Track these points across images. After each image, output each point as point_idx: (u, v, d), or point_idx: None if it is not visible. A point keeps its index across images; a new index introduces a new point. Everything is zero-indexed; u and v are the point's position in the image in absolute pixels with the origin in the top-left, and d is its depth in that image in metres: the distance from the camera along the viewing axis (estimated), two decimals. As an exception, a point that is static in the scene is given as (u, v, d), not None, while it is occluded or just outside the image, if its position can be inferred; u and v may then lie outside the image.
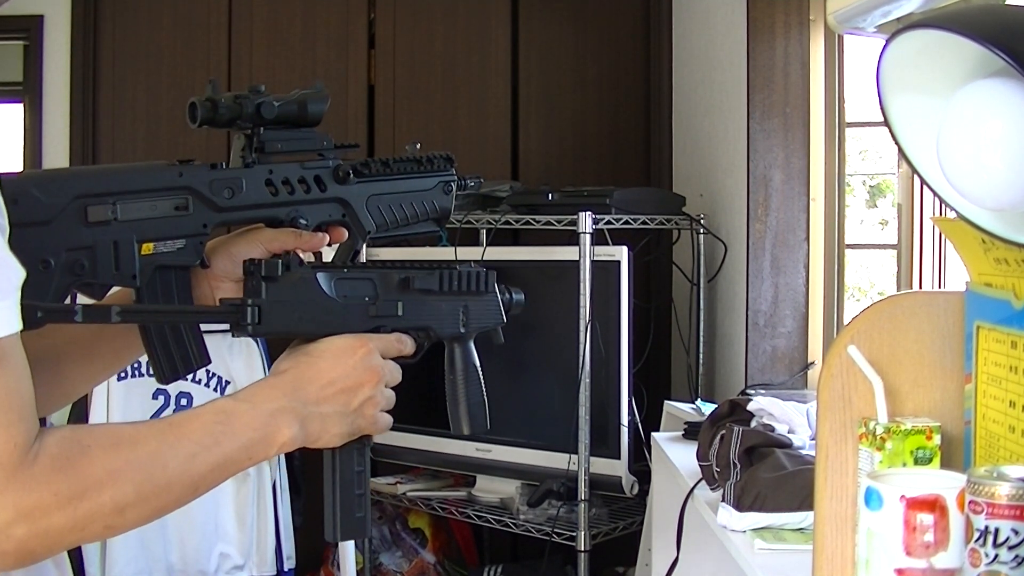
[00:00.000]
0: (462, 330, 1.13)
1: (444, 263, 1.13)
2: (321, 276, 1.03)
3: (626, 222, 2.83)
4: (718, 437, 1.78)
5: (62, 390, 1.08)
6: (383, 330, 1.05)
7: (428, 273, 1.10)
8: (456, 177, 1.19)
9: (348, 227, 1.13)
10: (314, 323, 1.02)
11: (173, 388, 3.07)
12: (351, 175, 1.11)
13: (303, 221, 1.08)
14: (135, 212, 0.98)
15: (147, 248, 0.99)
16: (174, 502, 0.88)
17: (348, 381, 0.99)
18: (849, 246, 2.70)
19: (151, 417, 2.93)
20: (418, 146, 1.18)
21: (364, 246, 1.16)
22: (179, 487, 0.88)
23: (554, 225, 2.83)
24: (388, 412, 1.04)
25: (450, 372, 1.16)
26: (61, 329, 1.06)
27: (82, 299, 0.99)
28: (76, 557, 3.05)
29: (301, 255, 1.06)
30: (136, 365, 3.00)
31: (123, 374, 2.99)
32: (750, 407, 1.88)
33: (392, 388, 1.04)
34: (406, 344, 1.07)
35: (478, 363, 1.16)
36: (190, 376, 1.13)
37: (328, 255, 1.12)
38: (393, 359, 1.05)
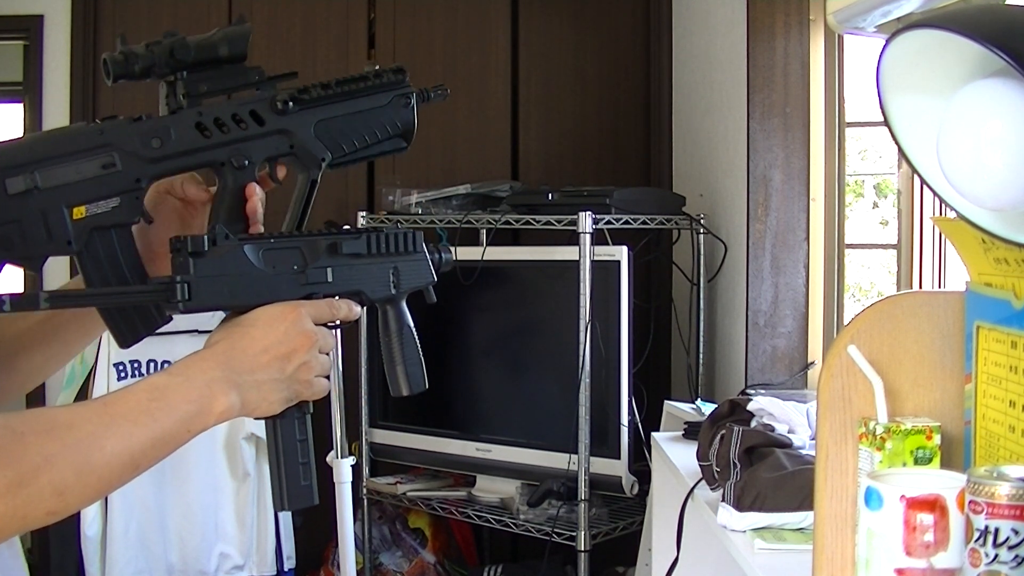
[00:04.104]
0: (393, 291, 1.12)
1: (371, 227, 1.12)
2: (248, 248, 1.02)
3: (626, 222, 2.83)
4: (718, 437, 1.78)
5: (14, 381, 1.09)
6: (315, 297, 1.05)
7: (355, 237, 1.09)
8: (411, 88, 1.15)
9: (298, 158, 1.10)
10: (245, 295, 1.02)
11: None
12: (290, 104, 1.08)
13: (247, 161, 1.05)
14: (58, 177, 0.96)
15: (79, 212, 0.97)
16: (116, 481, 0.89)
17: (282, 348, 0.99)
18: (849, 246, 2.70)
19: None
20: (377, 67, 1.15)
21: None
22: (119, 466, 0.88)
23: (554, 225, 2.83)
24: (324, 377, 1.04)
25: (384, 334, 1.16)
26: (9, 323, 1.06)
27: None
28: (76, 557, 3.05)
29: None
30: (136, 366, 3.00)
31: (123, 374, 2.99)
32: (750, 407, 1.87)
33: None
34: (339, 309, 1.06)
35: (411, 323, 1.16)
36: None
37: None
38: (329, 324, 1.06)
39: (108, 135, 1.00)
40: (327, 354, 1.04)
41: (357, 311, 1.09)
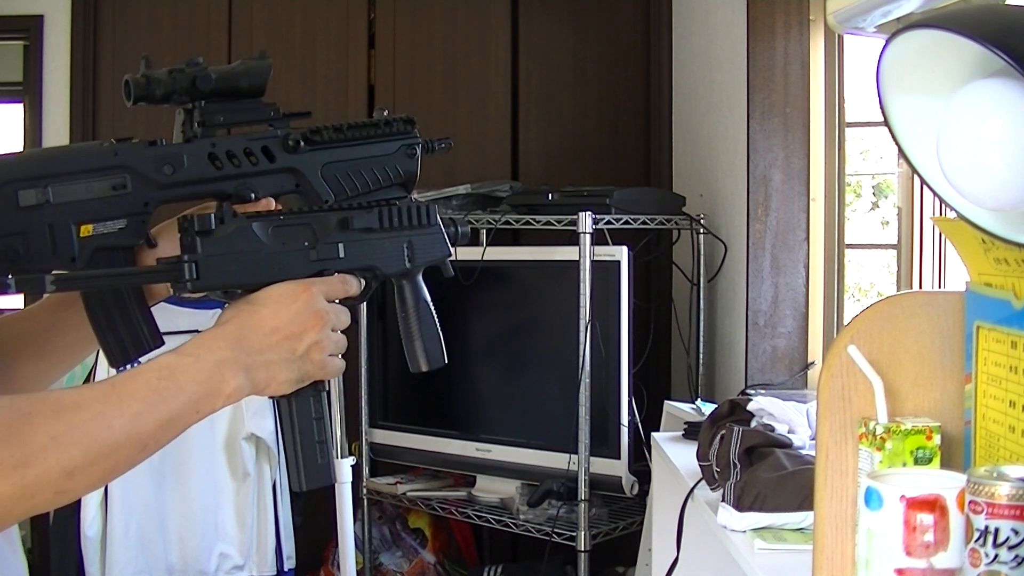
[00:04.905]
0: (408, 265, 1.11)
1: (384, 200, 1.11)
2: (256, 225, 1.01)
3: (626, 222, 2.83)
4: (718, 437, 1.78)
5: (15, 388, 1.07)
6: (326, 274, 1.04)
7: (367, 211, 1.08)
8: (419, 139, 1.16)
9: (302, 197, 1.10)
10: (254, 273, 1.01)
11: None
12: (301, 143, 1.08)
13: (252, 194, 1.05)
14: (69, 194, 0.96)
15: (86, 230, 0.97)
16: (124, 462, 0.88)
17: (292, 327, 0.98)
18: (849, 246, 2.70)
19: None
20: (385, 112, 1.16)
21: None
22: (127, 447, 0.87)
23: (554, 225, 2.83)
24: (340, 356, 1.03)
25: (401, 309, 1.14)
26: (9, 327, 1.05)
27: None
28: (76, 557, 3.05)
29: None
30: (136, 365, 3.00)
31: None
32: (750, 407, 1.87)
33: (343, 332, 1.03)
34: (351, 285, 1.05)
35: (428, 298, 1.14)
36: None
37: None
38: (340, 301, 1.04)
39: (122, 157, 1.00)
40: (343, 331, 1.03)
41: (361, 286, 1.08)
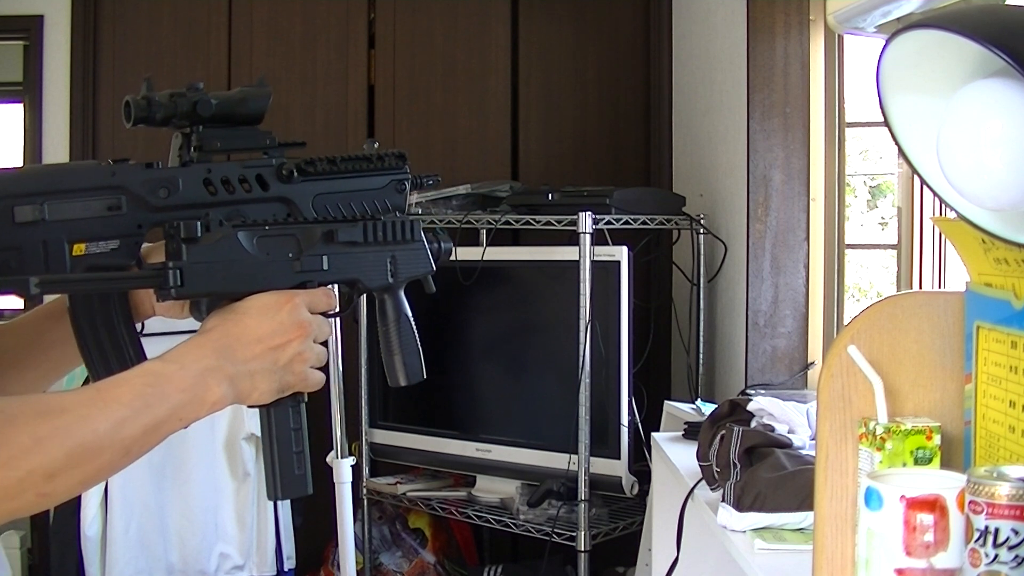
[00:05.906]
0: (390, 280, 1.12)
1: (369, 215, 1.13)
2: (242, 235, 1.02)
3: (626, 222, 2.83)
4: (718, 437, 1.78)
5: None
6: (310, 285, 1.05)
7: (352, 225, 1.09)
8: (408, 175, 1.18)
9: None
10: (238, 282, 1.01)
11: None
12: (295, 174, 1.09)
13: (243, 222, 1.05)
14: (65, 212, 0.97)
15: (79, 248, 0.98)
16: (106, 467, 0.88)
17: (276, 338, 0.99)
18: (849, 246, 2.70)
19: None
20: (376, 145, 1.17)
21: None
22: (110, 452, 0.87)
23: (554, 225, 2.83)
24: (320, 368, 1.03)
25: (382, 323, 1.16)
26: None
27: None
28: (76, 557, 3.05)
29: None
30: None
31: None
32: (750, 407, 1.87)
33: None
34: (335, 297, 1.07)
35: (409, 313, 1.16)
36: None
37: None
38: (322, 313, 1.05)
39: (119, 177, 1.00)
40: (324, 344, 1.04)
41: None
